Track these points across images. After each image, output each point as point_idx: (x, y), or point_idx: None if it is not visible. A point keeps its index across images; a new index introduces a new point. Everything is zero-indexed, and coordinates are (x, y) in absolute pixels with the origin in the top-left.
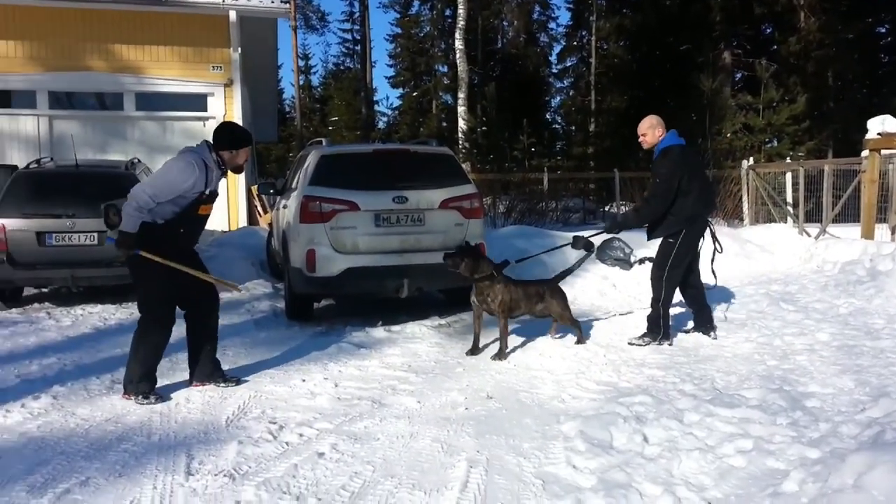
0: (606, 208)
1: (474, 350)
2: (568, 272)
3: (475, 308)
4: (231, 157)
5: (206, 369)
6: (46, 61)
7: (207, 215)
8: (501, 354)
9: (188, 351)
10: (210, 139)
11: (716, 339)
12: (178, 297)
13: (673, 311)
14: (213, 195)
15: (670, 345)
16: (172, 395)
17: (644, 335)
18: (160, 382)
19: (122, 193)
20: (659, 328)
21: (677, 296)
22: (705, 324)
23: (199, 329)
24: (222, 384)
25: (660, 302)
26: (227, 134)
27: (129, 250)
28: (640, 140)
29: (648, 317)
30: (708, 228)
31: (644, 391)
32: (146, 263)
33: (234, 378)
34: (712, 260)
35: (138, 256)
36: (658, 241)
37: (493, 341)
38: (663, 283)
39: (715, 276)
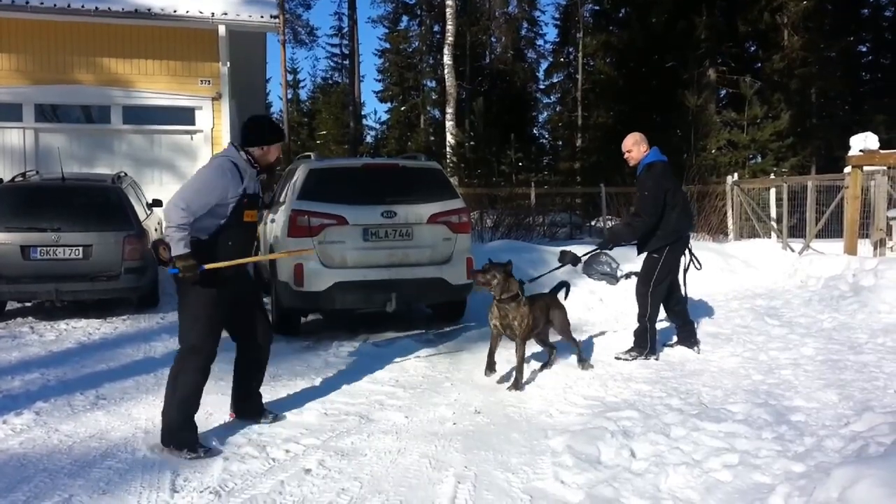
0: (593, 223)
1: (491, 368)
2: (564, 286)
3: (495, 330)
4: (262, 153)
5: (253, 406)
6: (33, 74)
7: (254, 223)
8: (518, 385)
9: (234, 380)
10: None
11: (699, 353)
12: (232, 324)
13: (658, 325)
14: (255, 198)
15: (657, 359)
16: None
17: (631, 350)
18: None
19: (109, 207)
20: (646, 343)
21: (661, 311)
22: (689, 338)
23: (250, 358)
24: (264, 421)
25: (646, 317)
26: (254, 128)
27: (194, 273)
28: (625, 157)
29: (635, 332)
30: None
31: (631, 406)
32: (193, 289)
33: (273, 413)
34: (684, 272)
35: (203, 274)
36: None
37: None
38: (649, 298)
39: (685, 287)
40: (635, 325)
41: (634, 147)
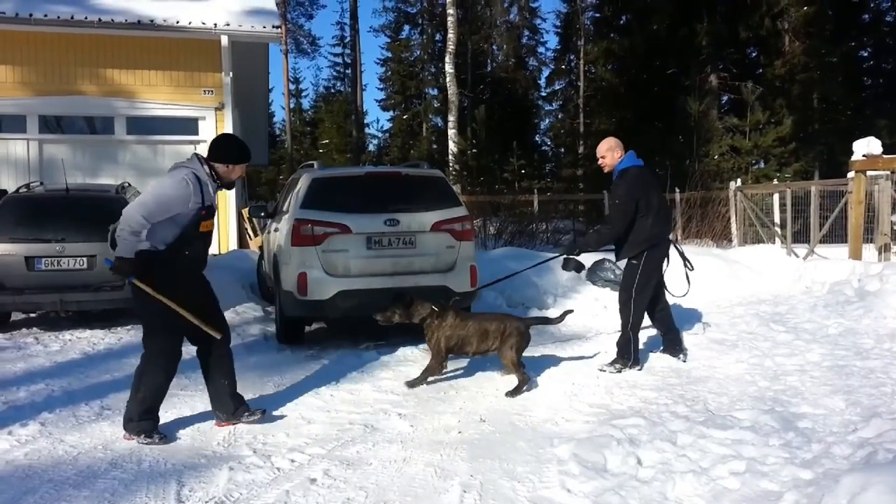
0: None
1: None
2: (546, 321)
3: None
4: (226, 171)
5: (228, 408)
6: (37, 86)
7: (210, 232)
8: (413, 383)
9: (207, 389)
10: (202, 153)
11: (685, 361)
12: (188, 330)
13: (646, 334)
14: (212, 210)
15: (640, 369)
16: (175, 431)
17: (614, 361)
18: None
19: (113, 217)
20: (629, 353)
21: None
22: (674, 346)
23: (212, 365)
24: (247, 419)
25: (628, 326)
26: (224, 147)
27: (124, 276)
28: (599, 163)
29: (618, 342)
30: (674, 248)
31: (637, 413)
32: (151, 299)
33: (260, 410)
34: (684, 275)
35: (150, 281)
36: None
37: (449, 373)
38: (632, 307)
39: (689, 284)
40: (618, 334)
41: (608, 153)
